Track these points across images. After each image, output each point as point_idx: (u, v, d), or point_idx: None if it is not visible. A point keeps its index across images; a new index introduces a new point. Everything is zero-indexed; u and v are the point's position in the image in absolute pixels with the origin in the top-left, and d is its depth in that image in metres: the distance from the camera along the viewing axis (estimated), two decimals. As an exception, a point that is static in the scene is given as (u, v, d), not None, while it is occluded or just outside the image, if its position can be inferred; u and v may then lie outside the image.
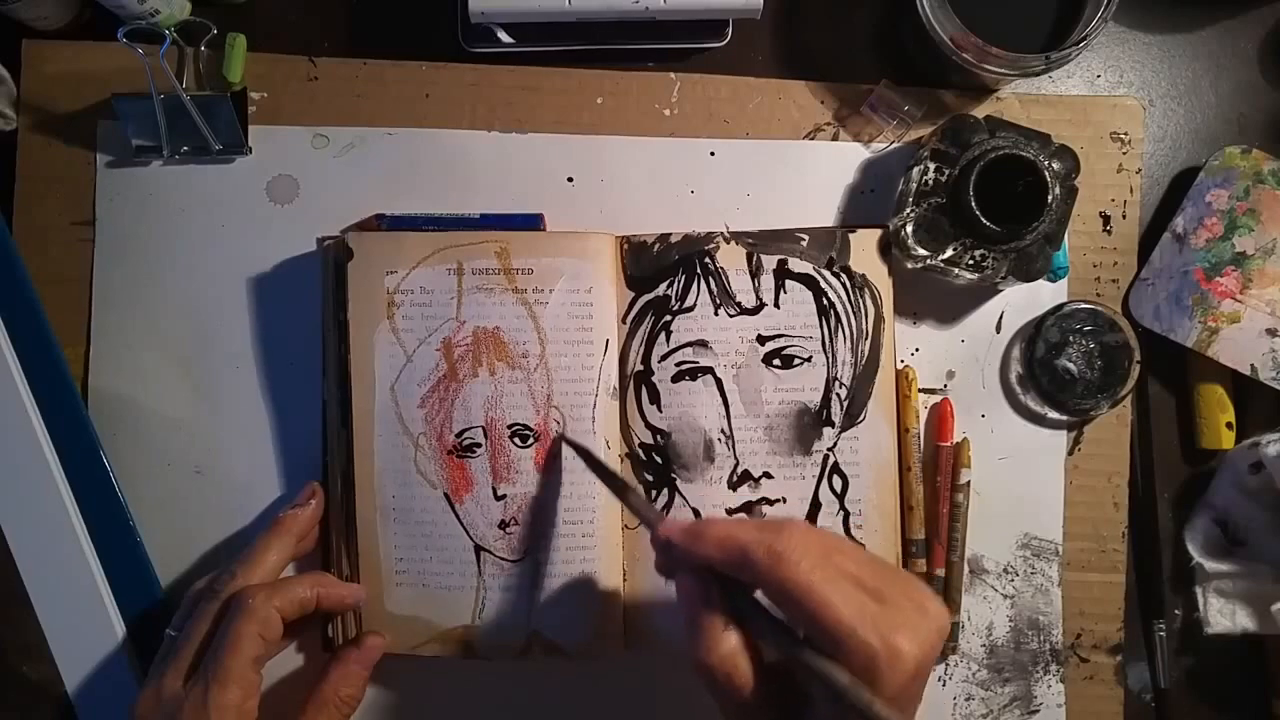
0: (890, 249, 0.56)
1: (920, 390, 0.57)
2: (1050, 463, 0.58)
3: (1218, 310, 0.57)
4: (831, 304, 0.55)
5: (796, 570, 0.38)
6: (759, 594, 0.41)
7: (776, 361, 0.55)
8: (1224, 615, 0.57)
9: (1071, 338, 0.56)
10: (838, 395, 0.55)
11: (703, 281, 0.55)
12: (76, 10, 0.56)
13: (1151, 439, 0.59)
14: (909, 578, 0.41)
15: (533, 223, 0.56)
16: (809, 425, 0.55)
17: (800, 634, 0.39)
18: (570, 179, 0.58)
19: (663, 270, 0.55)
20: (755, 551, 0.39)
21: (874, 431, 0.55)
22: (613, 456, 0.54)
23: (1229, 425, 0.57)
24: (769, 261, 0.55)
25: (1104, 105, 0.58)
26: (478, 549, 0.54)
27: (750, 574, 0.40)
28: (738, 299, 0.55)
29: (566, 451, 0.54)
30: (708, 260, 0.55)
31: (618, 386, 0.55)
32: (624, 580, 0.54)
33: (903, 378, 0.56)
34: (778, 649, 0.40)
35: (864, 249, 0.56)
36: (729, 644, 0.40)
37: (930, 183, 0.53)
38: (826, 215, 0.58)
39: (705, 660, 0.40)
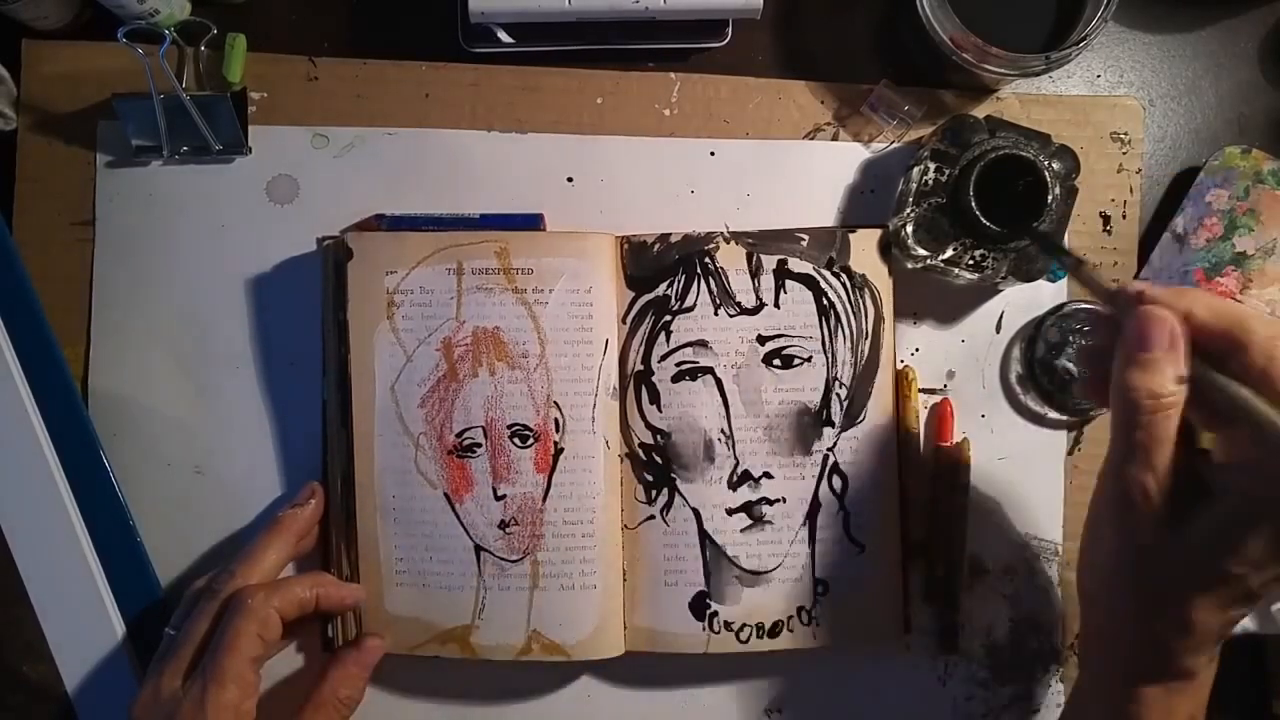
0: (890, 249, 0.56)
1: (920, 390, 0.57)
2: (1050, 463, 0.58)
3: (1218, 310, 0.57)
4: (831, 304, 0.55)
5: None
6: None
7: (776, 361, 0.55)
8: (1224, 615, 0.57)
9: (1071, 338, 0.56)
10: (838, 395, 0.55)
11: (703, 281, 0.55)
12: (76, 10, 0.56)
13: (1152, 439, 0.58)
14: None
15: (532, 223, 0.56)
16: (809, 425, 0.55)
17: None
18: (570, 179, 0.58)
19: (663, 270, 0.55)
20: (1255, 325, 0.38)
21: (874, 431, 0.55)
22: (613, 456, 0.54)
23: (1229, 425, 0.57)
24: (769, 261, 0.55)
25: (1104, 105, 0.58)
26: (478, 549, 0.54)
27: (1235, 338, 0.38)
28: (738, 299, 0.55)
29: (569, 454, 0.54)
30: (708, 260, 0.55)
31: (618, 386, 0.55)
32: (624, 580, 0.54)
33: (903, 378, 0.56)
34: (1241, 418, 0.38)
35: (864, 249, 0.56)
36: (1169, 372, 0.38)
37: (930, 183, 0.53)
38: (826, 215, 0.58)
39: (1140, 382, 0.38)
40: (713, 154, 0.58)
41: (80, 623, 0.53)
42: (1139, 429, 0.39)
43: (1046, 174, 0.51)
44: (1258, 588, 0.39)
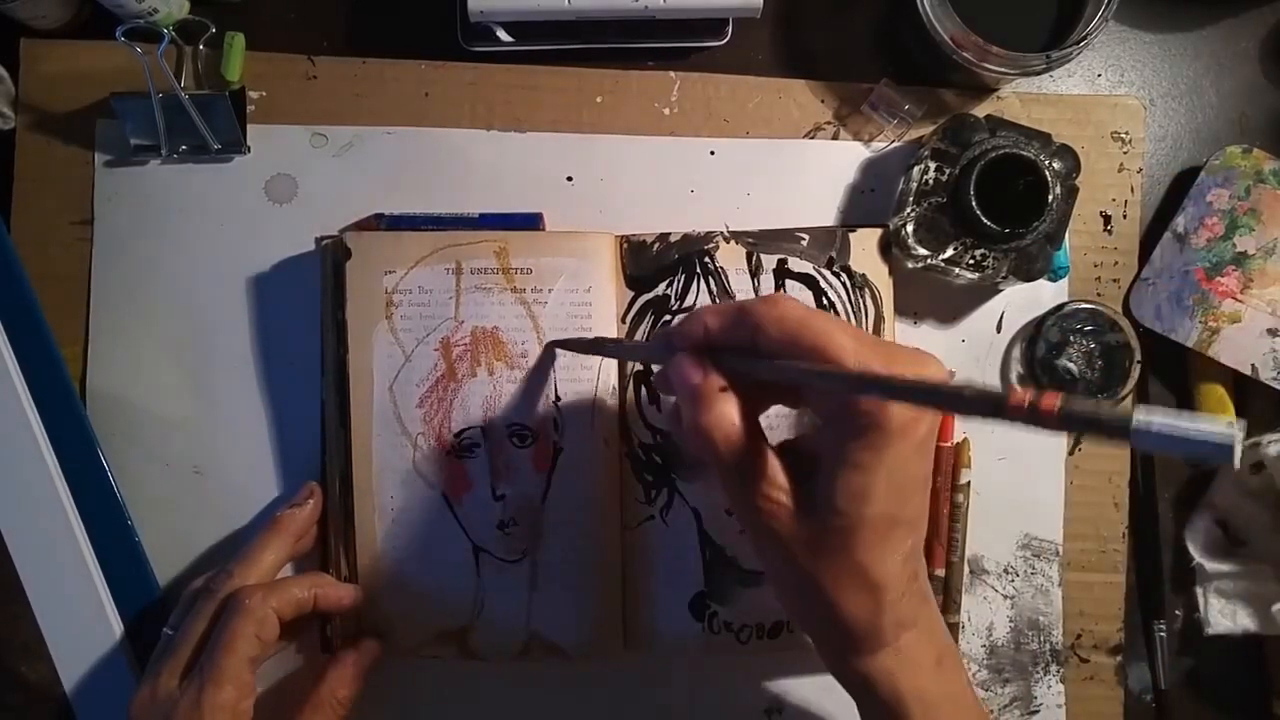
0: (890, 248, 0.55)
1: (920, 390, 0.57)
2: (1050, 463, 0.58)
3: (1218, 310, 0.57)
4: (831, 304, 0.55)
5: (794, 309, 0.38)
6: None
7: (776, 361, 0.55)
8: (1224, 615, 0.57)
9: (1072, 338, 0.56)
10: (837, 395, 0.55)
11: (702, 281, 0.55)
12: (75, 9, 0.56)
13: (1152, 439, 0.58)
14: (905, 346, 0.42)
15: (532, 222, 0.56)
16: (809, 425, 0.55)
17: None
18: (569, 178, 0.58)
19: (662, 270, 0.55)
20: (750, 304, 0.40)
21: (874, 431, 0.55)
22: (612, 456, 0.54)
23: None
24: (769, 261, 0.55)
25: (1105, 105, 0.58)
26: (476, 549, 0.54)
27: (747, 327, 0.39)
28: (737, 299, 0.55)
29: (568, 454, 0.53)
30: (707, 260, 0.55)
31: (617, 386, 0.55)
32: (624, 580, 0.54)
33: (903, 378, 0.56)
34: (795, 378, 0.39)
35: (864, 248, 0.55)
36: (727, 406, 0.39)
37: (930, 182, 0.53)
38: (826, 215, 0.58)
39: (703, 423, 0.39)
40: (713, 153, 0.58)
41: (78, 622, 0.53)
42: (723, 457, 0.40)
43: (1047, 173, 0.51)
44: (906, 515, 0.40)
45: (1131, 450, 0.58)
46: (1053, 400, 0.30)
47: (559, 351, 0.54)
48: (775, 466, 0.40)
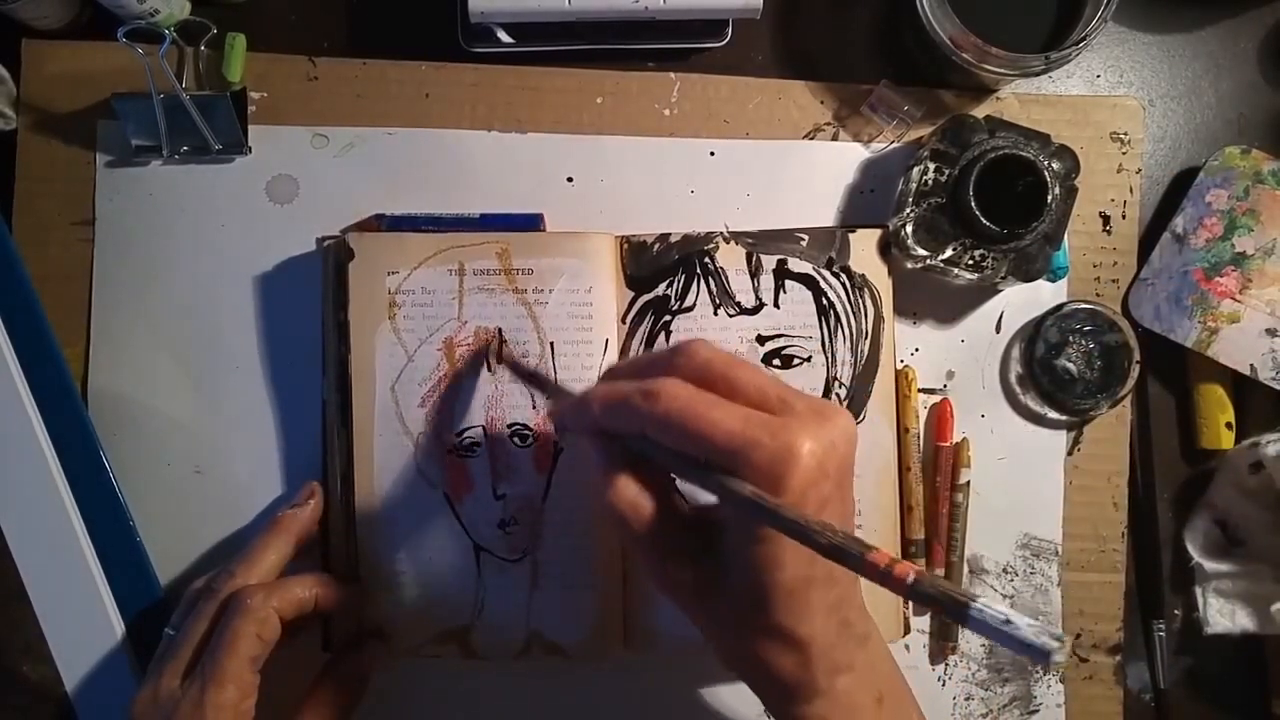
0: (890, 249, 0.56)
1: (920, 390, 0.57)
2: (1050, 463, 0.58)
3: (1217, 310, 0.57)
4: (831, 304, 0.55)
5: (675, 401, 0.38)
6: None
7: (776, 361, 0.55)
8: (1224, 615, 0.57)
9: (1071, 338, 0.56)
10: (837, 395, 0.55)
11: (702, 281, 0.55)
12: (76, 10, 0.56)
13: (1151, 439, 0.59)
14: (813, 395, 0.42)
15: (533, 223, 0.56)
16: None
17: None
18: (570, 179, 0.58)
19: (662, 270, 0.55)
20: (631, 398, 0.39)
21: (874, 431, 0.55)
22: (612, 456, 0.54)
23: (1229, 425, 0.57)
24: (769, 261, 0.55)
25: (1104, 105, 0.58)
26: (477, 549, 0.54)
27: (633, 421, 0.39)
28: (737, 299, 0.55)
29: (569, 454, 0.54)
30: (707, 260, 0.55)
31: (617, 386, 0.55)
32: (624, 580, 0.54)
33: (902, 378, 0.56)
34: (682, 475, 0.40)
35: (864, 249, 0.56)
36: (630, 484, 0.40)
37: (930, 183, 0.53)
38: (826, 215, 0.58)
39: (609, 501, 0.40)
40: (713, 154, 0.58)
41: (80, 623, 0.53)
42: (631, 534, 0.40)
43: (1046, 174, 0.51)
44: (820, 572, 0.39)
45: (1131, 450, 0.58)
46: (905, 570, 0.33)
47: (559, 350, 0.54)
48: (681, 540, 0.40)
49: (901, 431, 0.56)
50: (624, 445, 0.41)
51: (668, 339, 0.55)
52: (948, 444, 0.57)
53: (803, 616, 0.39)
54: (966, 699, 0.57)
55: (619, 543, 0.41)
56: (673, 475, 0.42)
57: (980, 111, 0.57)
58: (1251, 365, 0.57)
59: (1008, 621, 0.31)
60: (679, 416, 0.38)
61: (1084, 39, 0.51)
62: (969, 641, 0.57)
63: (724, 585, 0.40)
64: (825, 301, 0.55)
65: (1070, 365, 0.56)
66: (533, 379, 0.53)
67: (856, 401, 0.55)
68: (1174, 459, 0.59)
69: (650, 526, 0.40)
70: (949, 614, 0.33)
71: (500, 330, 0.54)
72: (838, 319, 0.55)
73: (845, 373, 0.55)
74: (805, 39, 0.59)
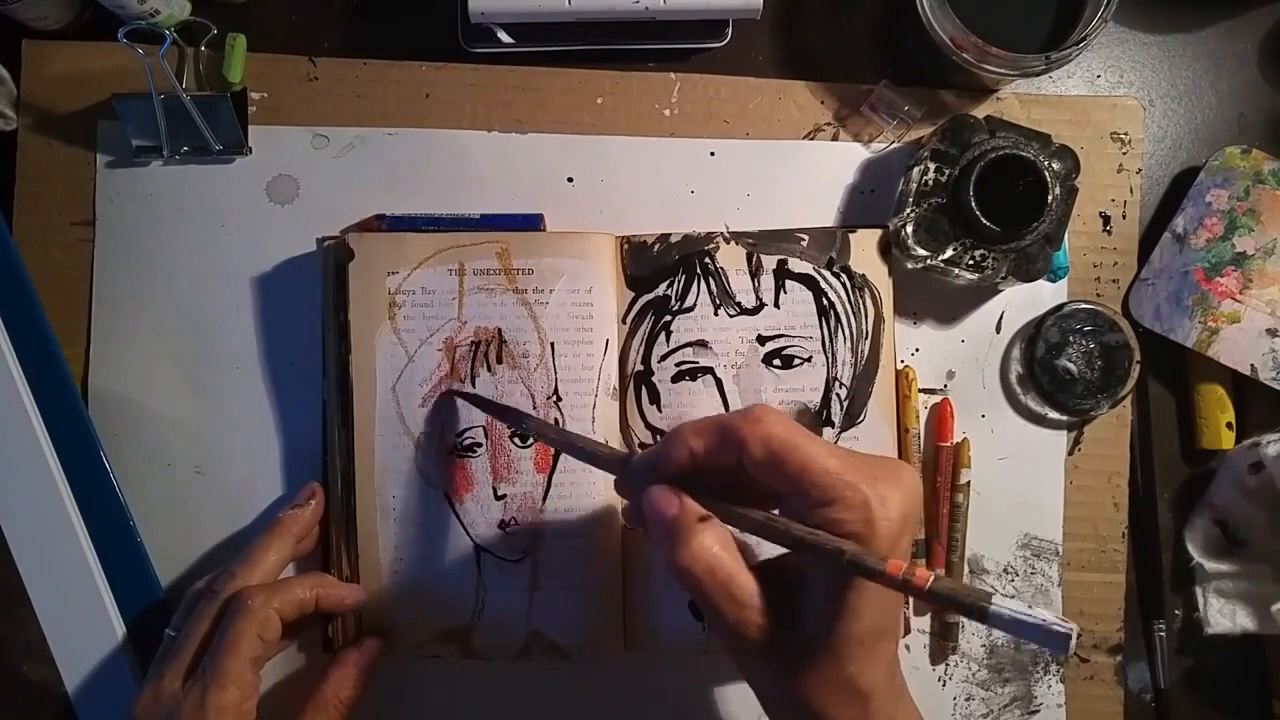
0: (890, 249, 0.56)
1: (920, 390, 0.57)
2: (1050, 463, 0.58)
3: (1218, 310, 0.57)
4: (831, 304, 0.55)
5: (778, 427, 0.38)
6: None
7: (776, 361, 0.55)
8: (1224, 615, 0.57)
9: (1071, 338, 0.56)
10: (838, 395, 0.55)
11: (703, 281, 0.55)
12: (76, 10, 0.56)
13: (1151, 439, 0.59)
14: (879, 455, 0.42)
15: (533, 223, 0.56)
16: (809, 425, 0.55)
17: (781, 509, 0.40)
18: (570, 179, 0.58)
19: (663, 270, 0.55)
20: (733, 421, 0.39)
21: (874, 431, 0.55)
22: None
23: (1229, 425, 0.57)
24: (769, 261, 0.55)
25: (1104, 105, 0.58)
26: (478, 549, 0.54)
27: (733, 449, 0.39)
28: (738, 299, 0.55)
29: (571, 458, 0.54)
30: (708, 260, 0.55)
31: (618, 386, 0.55)
32: (624, 580, 0.54)
33: (903, 378, 0.56)
34: (763, 534, 0.39)
35: (864, 249, 0.56)
36: (706, 539, 0.39)
37: (930, 183, 0.53)
38: (826, 215, 0.58)
39: (683, 561, 0.39)
40: (713, 154, 0.58)
41: (80, 623, 0.53)
42: (708, 592, 0.39)
43: (1046, 174, 0.51)
44: (890, 624, 0.40)
45: (1131, 450, 0.58)
46: (925, 575, 0.35)
47: (559, 350, 0.54)
48: (754, 592, 0.40)
49: (902, 431, 0.56)
50: (692, 502, 0.40)
51: (668, 339, 0.55)
52: (948, 444, 0.57)
53: (870, 668, 0.39)
54: (967, 699, 0.57)
55: (692, 596, 0.41)
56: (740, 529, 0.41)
57: (980, 111, 0.57)
58: (1252, 365, 0.57)
59: (1028, 610, 0.33)
60: (781, 444, 0.38)
61: (1084, 39, 0.51)
62: (969, 642, 0.57)
63: (791, 637, 0.40)
64: (825, 302, 0.55)
65: (1070, 365, 0.56)
66: (502, 412, 0.52)
67: (856, 401, 0.55)
68: (1174, 459, 0.59)
69: (726, 584, 0.39)
70: (968, 613, 0.34)
71: (500, 330, 0.54)
72: (838, 319, 0.55)
73: (845, 373, 0.55)
74: (805, 39, 0.59)
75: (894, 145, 0.58)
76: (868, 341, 0.55)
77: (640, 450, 0.55)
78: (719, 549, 0.39)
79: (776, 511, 0.41)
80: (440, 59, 0.58)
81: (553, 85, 0.58)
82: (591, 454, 0.46)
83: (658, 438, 0.55)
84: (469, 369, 0.54)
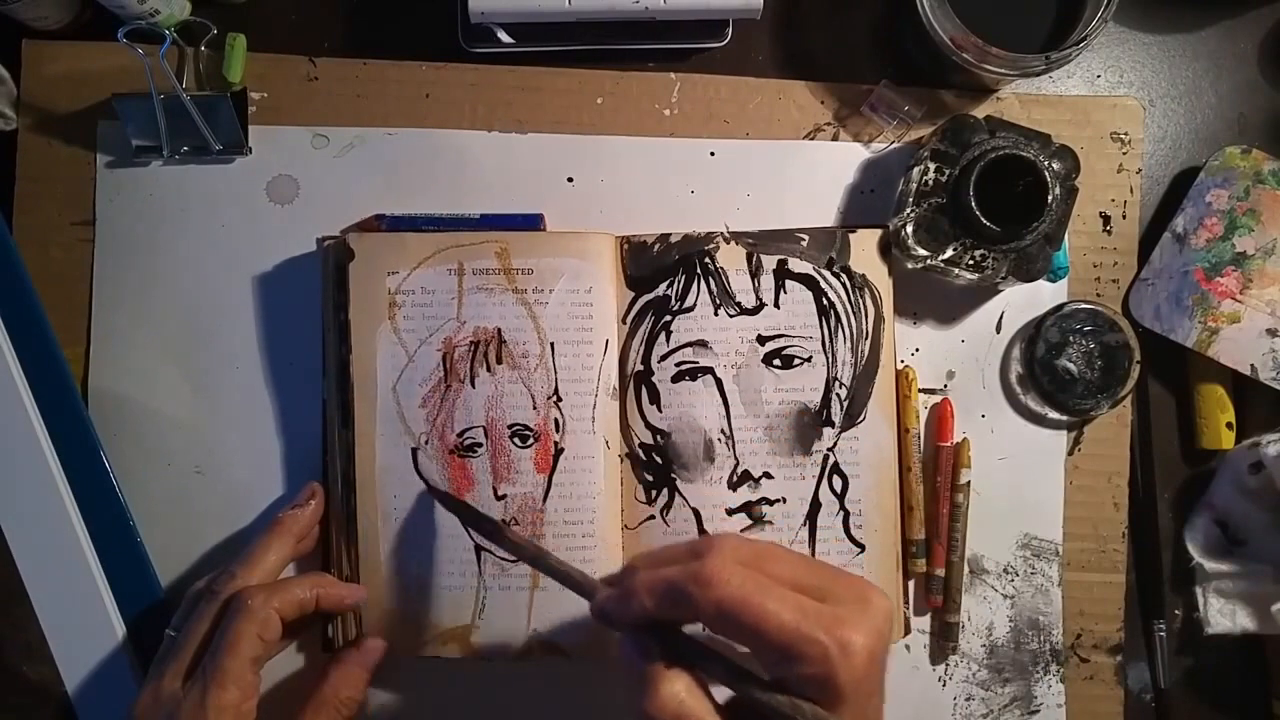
0: (890, 249, 0.56)
1: (920, 390, 0.57)
2: (1050, 463, 0.58)
3: (1218, 310, 0.57)
4: (831, 304, 0.55)
5: (728, 588, 0.37)
6: (703, 632, 0.40)
7: (776, 361, 0.55)
8: (1224, 615, 0.57)
9: (1071, 338, 0.56)
10: (838, 395, 0.55)
11: (703, 281, 0.55)
12: (76, 10, 0.56)
13: (1151, 439, 0.59)
14: (846, 573, 0.41)
15: (533, 223, 0.56)
16: (809, 425, 0.55)
17: (747, 664, 0.39)
18: (570, 179, 0.58)
19: (663, 270, 0.55)
20: (684, 585, 0.38)
21: (874, 431, 0.55)
22: (613, 456, 0.54)
23: (1229, 425, 0.57)
24: (769, 261, 0.55)
25: (1104, 105, 0.58)
26: (478, 549, 0.54)
27: (686, 609, 0.39)
28: (738, 299, 0.55)
29: (569, 454, 0.54)
30: (708, 260, 0.55)
31: (618, 386, 0.55)
32: (624, 580, 0.54)
33: (903, 378, 0.56)
34: (728, 686, 0.39)
35: (864, 249, 0.56)
36: (674, 686, 0.38)
37: (930, 183, 0.53)
38: (826, 215, 0.58)
39: (651, 711, 0.38)
40: (713, 154, 0.58)
41: (80, 623, 0.53)
42: None
43: (1046, 174, 0.51)
44: None
45: (1131, 450, 0.58)
46: None
47: (559, 350, 0.54)
48: None
49: (902, 431, 0.56)
50: (660, 643, 0.40)
51: (668, 339, 0.55)
52: (948, 444, 0.57)
53: None
54: (967, 699, 0.57)
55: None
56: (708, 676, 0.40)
57: (980, 111, 0.57)
58: (1252, 365, 0.57)
59: None
60: (733, 606, 0.37)
61: (1084, 39, 0.51)
62: (969, 642, 0.57)
63: None
64: (826, 302, 0.55)
65: (1070, 365, 0.56)
66: (477, 520, 0.52)
67: (856, 401, 0.55)
68: (1174, 459, 0.59)
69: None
70: None
71: (500, 330, 0.54)
72: (838, 319, 0.55)
73: (845, 373, 0.55)
74: (805, 39, 0.59)
75: (894, 145, 0.58)
76: (868, 341, 0.55)
77: (640, 449, 0.55)
78: (686, 696, 0.38)
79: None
80: (440, 59, 0.58)
81: (553, 85, 0.58)
82: (564, 575, 0.45)
83: (658, 438, 0.55)
84: (468, 369, 0.54)
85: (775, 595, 0.37)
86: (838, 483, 0.55)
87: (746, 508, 0.55)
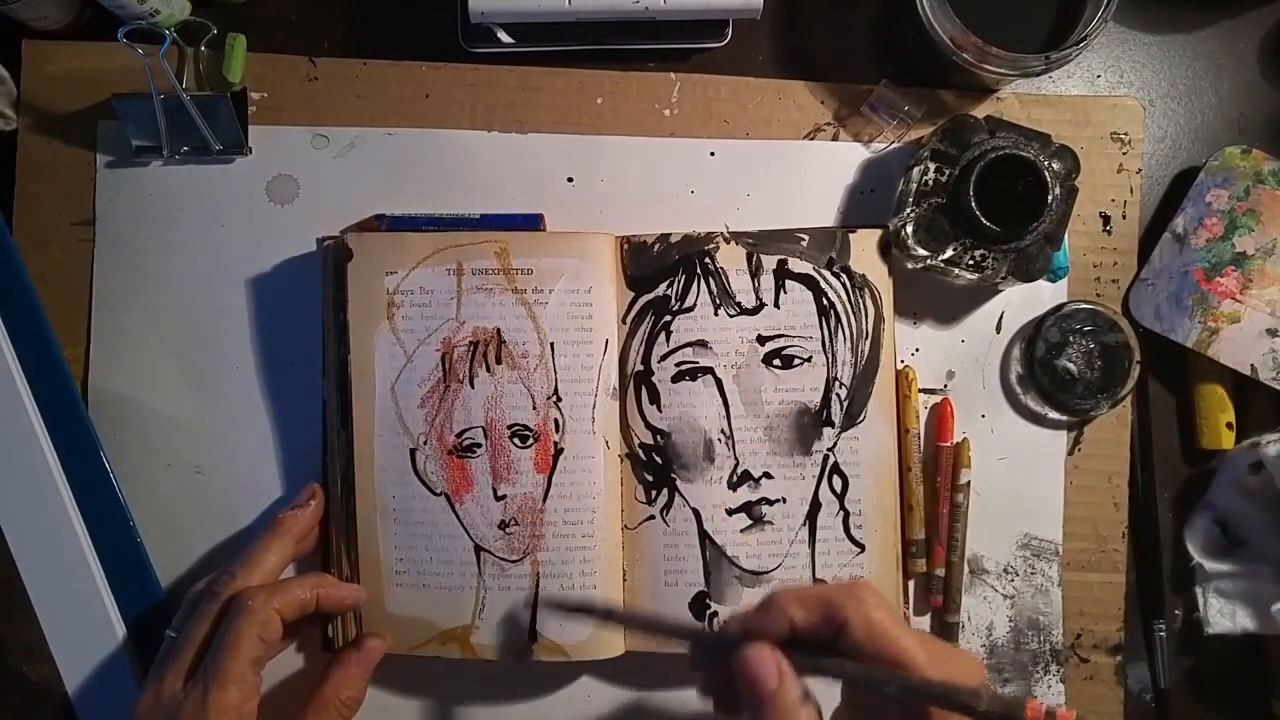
0: (890, 249, 0.56)
1: (920, 390, 0.57)
2: (1050, 463, 0.58)
3: (1218, 310, 0.57)
4: (831, 304, 0.55)
5: (879, 612, 0.40)
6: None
7: (776, 361, 0.55)
8: (1224, 615, 0.57)
9: (1071, 338, 0.56)
10: (838, 395, 0.55)
11: (703, 281, 0.55)
12: (76, 10, 0.56)
13: (1151, 439, 0.59)
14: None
15: (532, 223, 0.56)
16: (809, 425, 0.55)
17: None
18: (570, 179, 0.58)
19: (663, 270, 0.55)
20: (838, 597, 0.40)
21: (874, 431, 0.55)
22: (613, 456, 0.54)
23: (1229, 425, 0.57)
24: (769, 261, 0.55)
25: (1104, 105, 0.58)
26: (478, 549, 0.54)
27: (834, 624, 0.40)
28: (738, 299, 0.55)
29: (569, 454, 0.54)
30: (708, 260, 0.55)
31: (617, 386, 0.55)
32: (624, 580, 0.54)
33: (903, 378, 0.56)
34: (867, 683, 0.40)
35: (864, 249, 0.56)
36: (806, 715, 0.39)
37: (930, 183, 0.53)
38: (826, 215, 0.58)
39: None
40: (713, 154, 0.58)
41: (81, 623, 0.53)
42: None
43: (1046, 174, 0.51)
44: None
45: (1131, 450, 0.58)
46: (1067, 716, 0.37)
47: (559, 350, 0.54)
48: None
49: (902, 432, 0.56)
50: (792, 676, 0.40)
51: (668, 339, 0.55)
52: (948, 444, 0.57)
53: None
54: (967, 699, 0.57)
55: None
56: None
57: (980, 111, 0.57)
58: (1252, 365, 0.57)
59: None
60: (880, 628, 0.39)
61: (1084, 39, 0.51)
62: (969, 642, 0.57)
63: None
64: (825, 302, 0.55)
65: (1070, 365, 0.56)
66: (608, 614, 0.53)
67: (856, 401, 0.55)
68: (1174, 459, 0.59)
69: None
70: None
71: (499, 330, 0.54)
72: (838, 319, 0.55)
73: (845, 373, 0.55)
74: (805, 39, 0.59)
75: (894, 145, 0.58)
76: (868, 341, 0.55)
77: (640, 449, 0.55)
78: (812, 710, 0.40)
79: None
80: (440, 59, 0.58)
81: (553, 85, 0.58)
82: (666, 625, 0.48)
83: (658, 438, 0.55)
84: (467, 369, 0.54)
85: (910, 634, 0.40)
86: (838, 483, 0.55)
87: (746, 508, 0.55)
